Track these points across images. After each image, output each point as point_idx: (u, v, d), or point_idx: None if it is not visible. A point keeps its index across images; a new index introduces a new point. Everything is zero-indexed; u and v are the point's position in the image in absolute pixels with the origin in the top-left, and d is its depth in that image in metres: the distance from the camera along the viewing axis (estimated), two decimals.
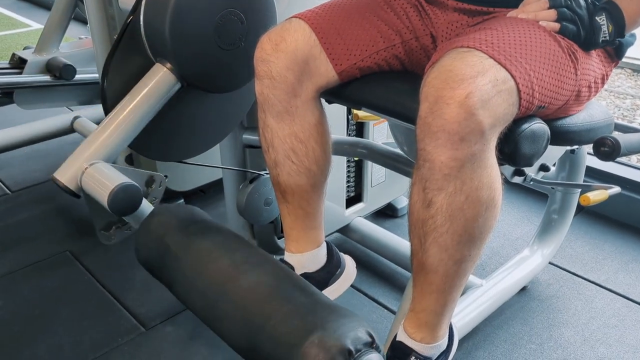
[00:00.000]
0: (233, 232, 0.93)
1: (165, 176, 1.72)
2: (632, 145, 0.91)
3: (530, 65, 0.78)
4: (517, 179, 1.16)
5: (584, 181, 1.44)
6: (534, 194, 1.93)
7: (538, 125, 0.82)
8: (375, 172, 1.67)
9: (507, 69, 0.75)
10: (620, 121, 1.14)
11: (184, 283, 0.85)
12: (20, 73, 1.93)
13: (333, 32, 0.96)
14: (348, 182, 1.63)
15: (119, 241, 1.23)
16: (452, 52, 0.76)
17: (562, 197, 1.48)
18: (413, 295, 0.89)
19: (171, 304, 1.46)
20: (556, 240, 1.53)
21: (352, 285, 1.49)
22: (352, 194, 1.67)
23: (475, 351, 1.30)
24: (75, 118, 1.97)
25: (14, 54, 1.96)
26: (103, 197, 0.94)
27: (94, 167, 1.01)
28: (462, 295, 1.36)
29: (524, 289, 1.51)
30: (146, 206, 1.06)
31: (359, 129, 1.57)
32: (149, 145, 1.21)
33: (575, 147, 1.32)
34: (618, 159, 1.96)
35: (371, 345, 0.71)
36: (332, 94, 1.03)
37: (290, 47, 0.95)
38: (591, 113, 0.99)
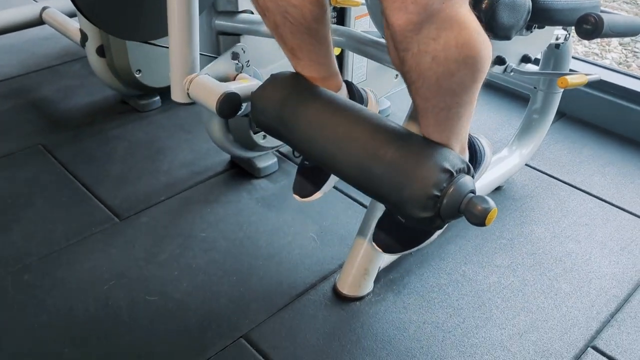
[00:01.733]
0: (328, 92, 1.01)
1: (139, 70, 1.67)
2: (616, 25, 0.87)
3: None
4: (498, 68, 1.13)
5: None
6: (516, 98, 1.91)
7: None
8: (356, 69, 1.63)
9: None
10: (607, 9, 1.10)
11: (304, 141, 0.98)
12: None
13: None
14: None
15: None
16: None
17: (543, 96, 1.46)
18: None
19: (145, 196, 1.45)
20: (535, 141, 1.53)
21: None
22: None
23: (447, 245, 1.32)
24: (44, 9, 1.87)
25: None
26: (212, 103, 1.08)
27: (198, 79, 1.13)
28: None
29: (499, 188, 1.51)
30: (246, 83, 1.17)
31: (340, 21, 1.51)
32: (115, 20, 1.15)
33: (560, 41, 1.28)
34: (605, 65, 1.93)
35: (468, 170, 0.88)
36: None
37: None
38: None
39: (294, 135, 0.99)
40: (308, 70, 1.03)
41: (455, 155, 0.87)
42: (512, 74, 1.14)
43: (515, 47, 1.12)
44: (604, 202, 1.48)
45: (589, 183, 1.55)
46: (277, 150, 1.61)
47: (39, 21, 1.89)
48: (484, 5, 0.75)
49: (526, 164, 1.59)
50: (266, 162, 1.54)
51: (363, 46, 1.20)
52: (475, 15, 0.74)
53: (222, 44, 1.31)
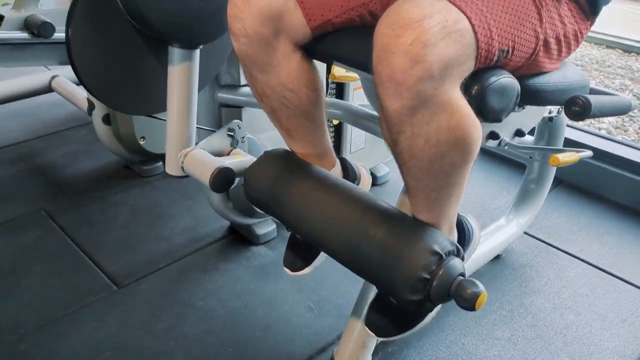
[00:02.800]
0: (321, 170, 1.04)
1: (143, 137, 1.71)
2: (604, 106, 0.90)
3: (486, 6, 0.76)
4: (492, 143, 1.15)
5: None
6: (514, 165, 1.93)
7: (507, 79, 0.81)
8: (354, 138, 1.66)
9: (459, 8, 0.73)
10: (595, 85, 1.13)
11: (295, 219, 0.99)
12: None
13: None
14: None
15: None
16: None
17: (539, 166, 1.48)
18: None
19: (145, 263, 1.46)
20: (532, 210, 1.54)
21: None
22: None
23: (446, 317, 1.31)
24: (54, 77, 1.94)
25: None
26: (205, 177, 1.11)
27: (193, 153, 1.17)
28: None
29: (498, 257, 1.51)
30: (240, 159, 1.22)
31: (339, 93, 1.55)
32: (120, 98, 1.19)
33: (553, 114, 1.31)
34: (599, 133, 1.97)
35: (458, 253, 0.87)
36: (305, 48, 1.01)
37: (262, 2, 0.93)
38: (566, 74, 0.97)
39: (286, 212, 1.01)
40: (302, 148, 1.06)
41: (445, 237, 0.88)
42: (506, 147, 1.16)
43: (508, 122, 1.15)
44: (603, 272, 1.47)
45: (588, 252, 1.54)
46: None
47: (48, 89, 1.95)
48: (473, 91, 0.78)
49: (525, 232, 1.60)
50: (265, 228, 1.55)
51: (360, 120, 1.23)
52: (466, 99, 0.77)
53: (224, 116, 1.35)
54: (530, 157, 1.48)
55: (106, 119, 1.70)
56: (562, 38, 0.90)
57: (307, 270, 1.14)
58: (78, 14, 1.10)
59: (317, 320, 1.30)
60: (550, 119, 1.35)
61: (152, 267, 1.45)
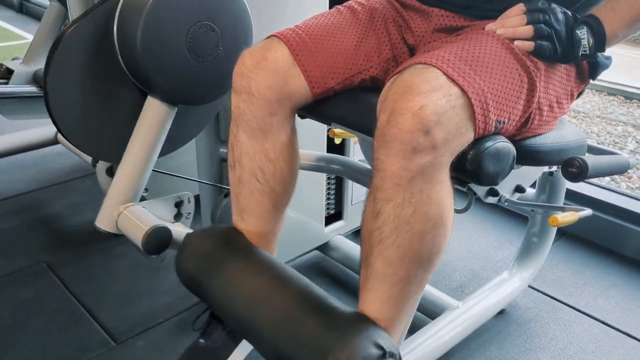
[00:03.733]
0: (262, 252, 0.99)
1: (146, 189, 1.71)
2: (601, 167, 0.90)
3: (484, 81, 0.79)
4: (491, 199, 1.15)
5: (565, 204, 1.43)
6: (517, 216, 1.92)
7: (502, 144, 0.81)
8: (355, 190, 1.66)
9: (459, 86, 0.76)
10: (593, 143, 1.14)
11: (221, 300, 0.93)
12: (7, 83, 1.93)
13: (312, 55, 0.97)
14: (328, 199, 1.62)
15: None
16: (411, 69, 0.78)
17: (542, 220, 1.47)
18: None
19: (143, 318, 1.44)
20: (535, 264, 1.52)
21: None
22: (332, 212, 1.66)
23: None
24: None
25: (1, 64, 1.96)
26: (138, 239, 1.05)
27: (129, 210, 1.12)
28: (438, 317, 1.36)
29: (502, 312, 1.49)
30: (180, 229, 1.15)
31: (341, 146, 1.57)
32: (98, 145, 1.24)
33: (553, 169, 1.31)
34: (604, 184, 1.97)
35: (383, 356, 0.78)
36: (305, 109, 1.03)
37: (271, 66, 0.95)
38: (563, 134, 0.98)
39: (214, 289, 0.94)
40: (253, 226, 1.03)
41: (389, 339, 0.80)
42: (506, 204, 1.16)
43: (507, 179, 1.15)
44: (609, 328, 1.44)
45: (594, 307, 1.52)
46: None
47: (54, 141, 1.98)
48: (469, 156, 0.78)
49: (529, 286, 1.57)
50: None
51: (360, 176, 1.24)
52: (461, 164, 0.78)
53: (224, 171, 1.36)
54: (532, 210, 1.48)
55: (110, 172, 1.71)
56: (555, 103, 0.91)
57: None
58: (55, 63, 1.11)
59: None
60: (551, 173, 1.36)
61: (151, 322, 1.43)
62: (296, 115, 1.03)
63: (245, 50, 0.99)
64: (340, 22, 1.03)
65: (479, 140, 0.80)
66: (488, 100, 0.78)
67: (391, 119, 0.74)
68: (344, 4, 1.07)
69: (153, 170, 1.36)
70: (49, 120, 1.19)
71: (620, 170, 0.99)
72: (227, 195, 1.32)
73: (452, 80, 0.76)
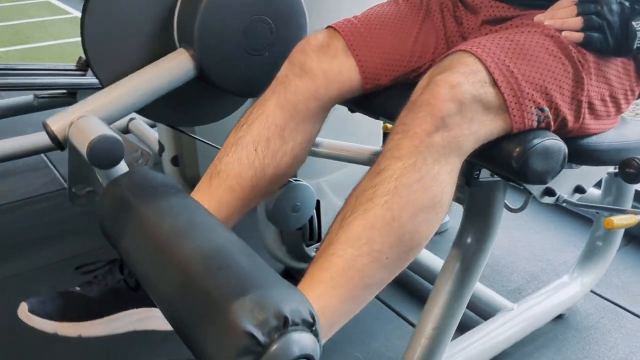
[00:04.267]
0: (190, 198, 0.86)
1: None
2: None
3: (518, 67, 0.78)
4: (547, 199, 1.11)
5: (635, 207, 1.36)
6: (583, 218, 1.84)
7: (552, 142, 0.79)
8: None
9: (490, 71, 0.76)
10: None
11: (128, 245, 0.80)
12: (85, 75, 2.04)
13: (368, 50, 0.97)
14: None
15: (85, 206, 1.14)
16: (451, 55, 0.80)
17: None
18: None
19: None
20: (599, 269, 1.45)
21: (380, 300, 1.49)
22: None
23: None
24: (131, 119, 2.07)
25: (80, 57, 2.08)
26: (83, 147, 0.92)
27: (84, 119, 0.98)
28: (490, 318, 1.33)
29: (560, 316, 1.44)
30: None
31: None
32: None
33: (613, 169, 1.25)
34: None
35: (311, 326, 0.63)
36: (354, 102, 1.03)
37: (331, 53, 0.96)
38: (624, 133, 0.93)
39: (121, 237, 0.81)
40: (214, 199, 0.92)
41: (307, 306, 0.63)
42: (564, 204, 1.12)
43: (566, 178, 1.11)
44: None
45: None
46: None
47: (126, 130, 2.08)
48: (515, 153, 0.76)
49: (591, 291, 1.51)
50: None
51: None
52: (506, 161, 0.76)
53: None
54: (597, 212, 1.41)
55: (174, 161, 1.78)
56: (609, 98, 0.87)
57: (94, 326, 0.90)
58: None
59: None
60: (616, 174, 1.29)
61: None
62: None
63: (311, 33, 1.00)
64: (398, 13, 1.02)
65: (525, 136, 0.78)
66: (522, 86, 0.77)
67: (426, 89, 0.75)
68: None
69: (210, 144, 1.40)
70: None
71: None
72: (281, 186, 1.34)
73: (487, 68, 0.76)
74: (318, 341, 0.63)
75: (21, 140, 2.08)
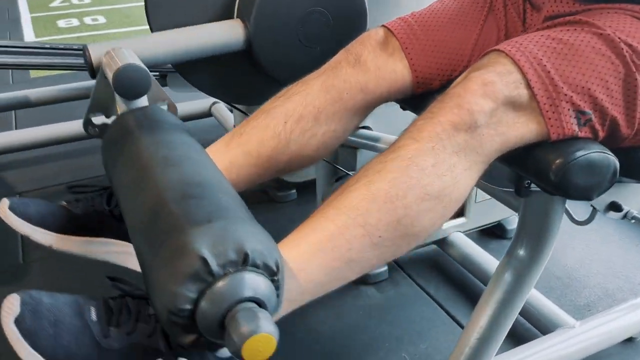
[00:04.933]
0: (194, 141, 0.82)
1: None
2: None
3: (555, 65, 0.74)
4: (614, 215, 1.03)
5: None
6: None
7: (598, 155, 0.72)
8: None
9: (524, 73, 0.73)
10: None
11: (117, 172, 0.78)
12: None
13: (423, 51, 0.95)
14: None
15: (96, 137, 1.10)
16: (490, 54, 0.77)
17: None
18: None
19: None
20: None
21: (433, 299, 1.46)
22: None
23: None
24: (214, 103, 2.15)
25: None
26: (111, 72, 0.93)
27: (120, 50, 1.00)
28: (549, 333, 1.26)
29: (631, 340, 1.33)
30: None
31: None
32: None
33: None
34: None
35: (272, 274, 0.59)
36: (405, 101, 1.01)
37: (388, 51, 0.95)
38: None
39: (113, 172, 0.79)
40: (227, 159, 0.89)
41: (275, 254, 0.60)
42: (632, 221, 1.03)
43: (636, 192, 1.02)
44: None
45: None
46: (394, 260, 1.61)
47: (208, 114, 2.17)
48: (553, 165, 0.71)
49: None
50: (377, 269, 1.55)
51: None
52: (544, 174, 0.72)
53: (339, 155, 1.38)
54: None
55: None
56: None
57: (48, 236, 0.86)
58: None
59: None
60: None
61: None
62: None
63: (372, 29, 0.99)
64: (460, 11, 0.99)
65: (568, 147, 0.73)
66: (559, 87, 0.73)
67: (459, 84, 0.73)
68: None
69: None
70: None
71: None
72: (338, 179, 1.35)
73: (520, 68, 0.73)
74: (278, 295, 0.60)
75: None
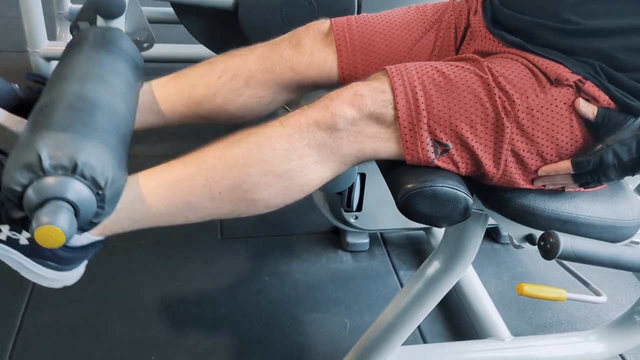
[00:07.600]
0: (122, 61, 0.93)
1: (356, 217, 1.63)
2: (583, 251, 0.77)
3: (427, 98, 0.80)
4: (528, 246, 1.05)
5: None
6: None
7: (448, 189, 0.77)
8: None
9: (395, 95, 0.80)
10: None
11: (54, 73, 0.89)
12: None
13: (352, 54, 1.02)
14: None
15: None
16: (381, 71, 0.86)
17: None
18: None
19: (253, 226, 1.68)
20: (635, 338, 1.30)
21: (400, 282, 1.53)
22: None
23: None
24: None
25: None
26: None
27: None
28: (477, 339, 1.31)
29: None
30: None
31: None
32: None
33: None
34: None
35: (98, 188, 0.71)
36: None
37: (327, 42, 1.03)
38: (579, 204, 0.85)
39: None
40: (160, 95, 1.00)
41: (109, 173, 0.71)
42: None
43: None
44: None
45: None
46: (381, 234, 1.70)
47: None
48: (401, 189, 0.77)
49: (620, 355, 1.37)
50: (357, 239, 1.65)
51: None
52: (395, 191, 0.79)
53: None
54: None
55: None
56: (551, 157, 0.83)
57: None
58: None
59: (346, 336, 1.39)
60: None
61: (257, 232, 1.68)
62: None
63: (326, 19, 1.06)
64: (404, 21, 1.03)
65: (422, 175, 0.79)
66: (422, 115, 0.80)
67: (338, 89, 0.82)
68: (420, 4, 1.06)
69: None
70: None
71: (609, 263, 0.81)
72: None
73: (392, 89, 0.80)
74: (100, 207, 0.72)
75: None
